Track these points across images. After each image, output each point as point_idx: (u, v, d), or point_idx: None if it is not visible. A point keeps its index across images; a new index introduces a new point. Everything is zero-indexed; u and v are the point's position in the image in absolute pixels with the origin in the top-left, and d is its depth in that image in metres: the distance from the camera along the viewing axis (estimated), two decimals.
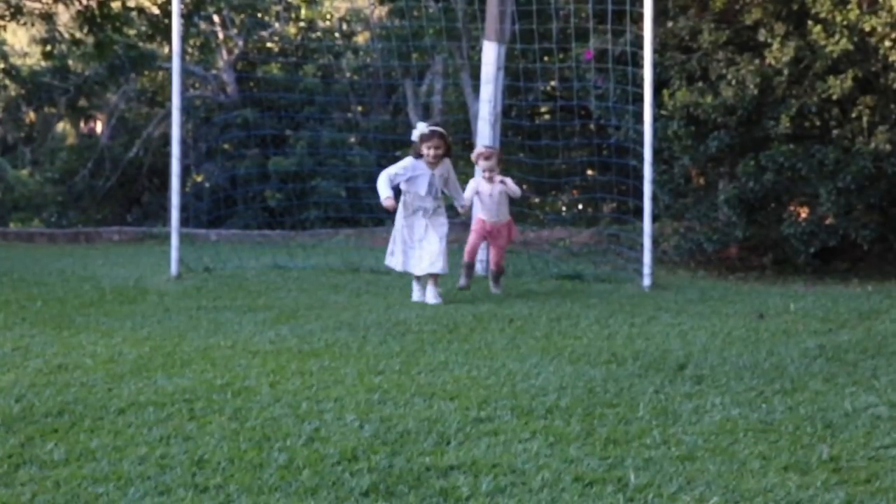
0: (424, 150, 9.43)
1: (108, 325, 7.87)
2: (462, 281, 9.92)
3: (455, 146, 12.44)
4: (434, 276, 9.50)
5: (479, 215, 10.25)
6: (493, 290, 10.11)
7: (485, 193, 10.10)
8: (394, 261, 9.74)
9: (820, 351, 6.95)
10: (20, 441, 4.57)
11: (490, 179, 10.02)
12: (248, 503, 3.84)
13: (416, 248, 9.55)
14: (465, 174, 18.34)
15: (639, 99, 11.46)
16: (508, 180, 10.10)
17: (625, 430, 4.85)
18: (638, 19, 11.80)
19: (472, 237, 10.22)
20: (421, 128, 9.59)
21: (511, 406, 5.23)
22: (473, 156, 10.36)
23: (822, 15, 11.36)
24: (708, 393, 5.62)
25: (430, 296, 9.46)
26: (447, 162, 9.64)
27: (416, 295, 9.61)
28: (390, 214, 9.89)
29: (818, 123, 12.26)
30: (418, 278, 9.64)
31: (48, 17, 20.28)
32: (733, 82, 11.78)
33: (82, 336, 7.31)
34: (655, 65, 11.22)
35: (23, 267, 12.59)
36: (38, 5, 20.04)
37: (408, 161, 9.57)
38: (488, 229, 10.18)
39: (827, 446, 4.60)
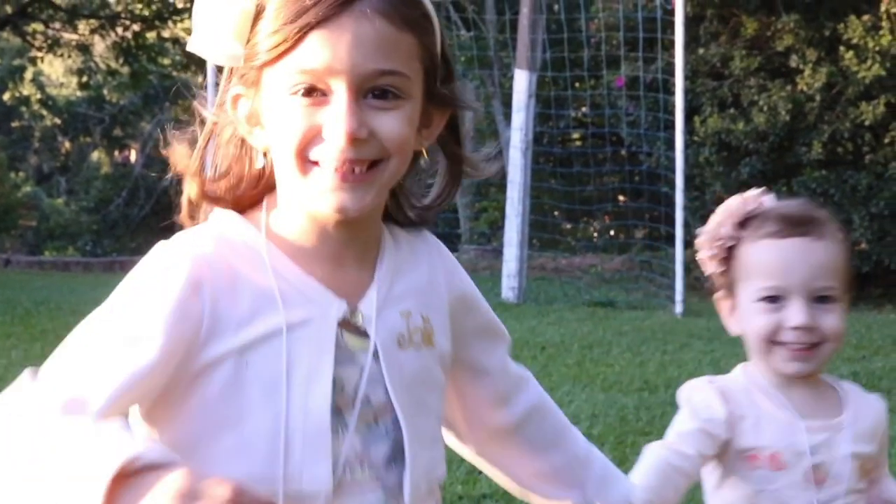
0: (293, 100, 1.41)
1: None
2: None
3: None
4: None
5: None
6: None
7: None
8: None
9: (853, 378, 6.90)
10: None
11: None
12: None
13: None
14: (499, 208, 18.28)
15: (670, 125, 11.46)
16: None
17: None
18: (669, 46, 11.81)
19: None
20: None
21: None
22: None
23: (855, 41, 11.34)
24: None
25: None
26: (434, 249, 1.63)
27: None
28: None
29: (851, 149, 12.23)
30: None
31: (84, 49, 20.57)
32: (765, 108, 11.77)
33: None
34: (687, 91, 11.23)
35: (59, 296, 12.69)
36: (74, 37, 20.32)
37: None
38: None
39: None
